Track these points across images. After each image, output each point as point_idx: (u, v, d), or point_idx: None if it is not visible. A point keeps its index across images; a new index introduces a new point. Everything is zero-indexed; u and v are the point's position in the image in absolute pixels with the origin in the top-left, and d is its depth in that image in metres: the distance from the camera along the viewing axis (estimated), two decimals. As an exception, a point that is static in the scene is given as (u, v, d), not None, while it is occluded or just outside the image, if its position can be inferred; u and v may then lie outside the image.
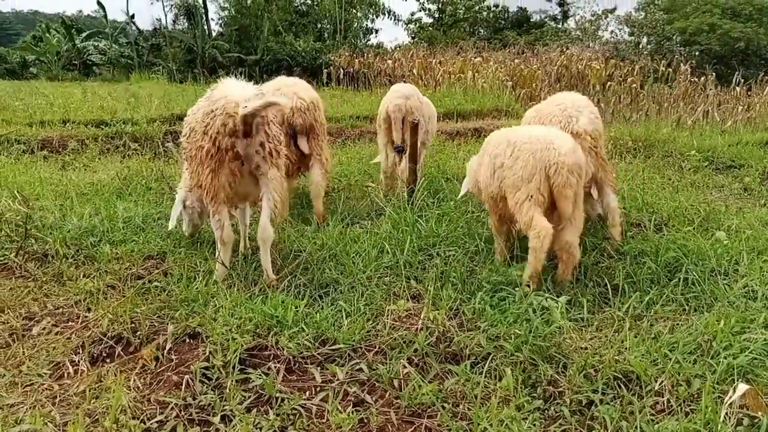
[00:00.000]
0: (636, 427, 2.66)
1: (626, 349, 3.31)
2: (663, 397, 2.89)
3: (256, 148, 3.94)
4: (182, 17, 29.72)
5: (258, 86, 4.15)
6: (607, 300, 4.03)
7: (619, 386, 2.98)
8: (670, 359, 3.13)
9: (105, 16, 29.93)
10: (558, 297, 3.65)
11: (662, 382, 2.96)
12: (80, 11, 54.95)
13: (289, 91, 5.53)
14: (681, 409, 2.80)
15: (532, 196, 4.03)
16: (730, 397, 2.63)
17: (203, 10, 28.51)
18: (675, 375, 3.02)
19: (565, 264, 4.18)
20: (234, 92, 3.88)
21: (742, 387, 2.65)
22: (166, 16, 30.65)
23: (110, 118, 10.34)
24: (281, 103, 3.90)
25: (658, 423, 2.71)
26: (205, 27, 28.14)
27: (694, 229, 5.03)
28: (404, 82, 18.22)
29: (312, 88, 5.91)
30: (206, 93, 4.14)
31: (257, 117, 3.85)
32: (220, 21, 31.60)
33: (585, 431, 2.72)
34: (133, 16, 28.77)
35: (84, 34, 30.00)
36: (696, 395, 2.87)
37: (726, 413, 2.61)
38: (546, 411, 2.85)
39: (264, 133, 3.95)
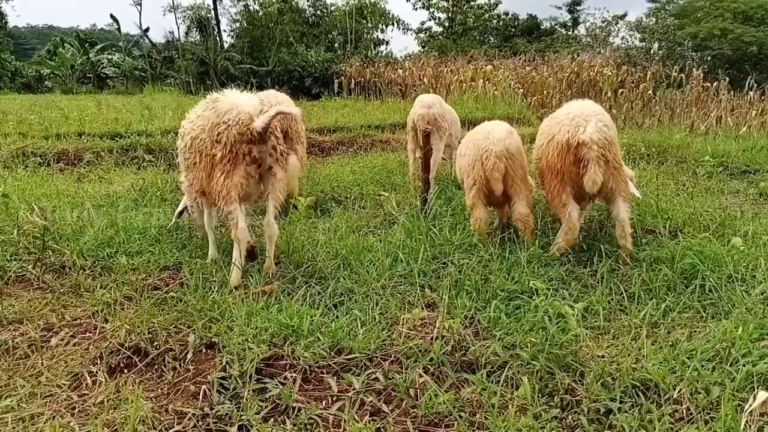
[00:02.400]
0: (655, 436, 2.63)
1: (644, 356, 3.29)
2: (682, 405, 2.86)
3: (269, 151, 4.38)
4: (194, 29, 30.07)
5: (257, 95, 4.68)
6: (624, 307, 4.01)
7: (637, 394, 2.95)
8: (689, 367, 3.10)
9: (118, 29, 30.33)
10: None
11: (681, 390, 2.94)
12: (94, 25, 55.62)
13: (273, 100, 6.23)
14: (701, 417, 2.77)
15: (476, 182, 4.91)
16: (751, 405, 2.60)
17: (215, 23, 28.82)
18: (694, 383, 2.99)
19: (523, 230, 5.01)
20: (242, 102, 4.29)
21: (763, 394, 2.61)
22: (178, 28, 31.01)
23: (125, 131, 10.46)
24: (292, 111, 4.47)
25: (677, 431, 2.68)
26: (217, 39, 28.41)
27: (709, 235, 4.99)
28: (415, 90, 18.38)
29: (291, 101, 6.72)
30: (201, 104, 4.56)
31: (270, 125, 4.29)
32: (232, 33, 31.93)
33: (603, 440, 2.70)
34: (147, 30, 29.12)
35: (98, 47, 30.40)
36: (715, 403, 2.85)
37: (746, 421, 2.59)
38: (564, 420, 2.83)
39: (274, 137, 4.40)
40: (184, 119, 4.81)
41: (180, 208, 5.47)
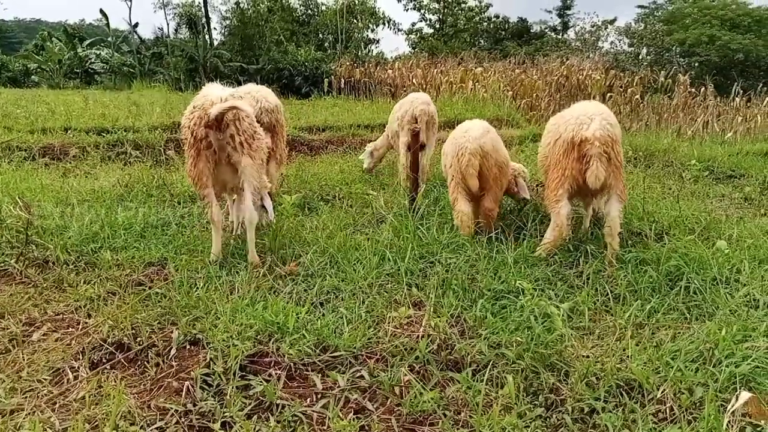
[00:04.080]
0: (638, 435, 2.64)
1: (628, 357, 3.30)
2: (665, 405, 2.88)
3: (227, 139, 4.56)
4: (184, 26, 29.87)
5: (235, 89, 4.99)
6: (609, 308, 4.02)
7: (621, 394, 2.96)
8: (672, 367, 3.12)
9: (107, 25, 30.06)
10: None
11: (664, 390, 2.95)
12: (82, 20, 55.09)
13: (258, 95, 6.51)
14: (683, 417, 2.78)
15: (453, 177, 5.13)
16: (733, 405, 2.62)
17: (205, 20, 28.64)
18: (677, 383, 3.00)
19: (485, 223, 5.27)
20: (213, 93, 4.57)
21: (745, 395, 2.64)
22: (168, 25, 30.75)
23: (111, 126, 10.37)
24: (242, 108, 4.50)
25: (660, 431, 2.69)
26: (207, 36, 28.26)
27: (695, 238, 5.03)
28: (404, 91, 18.39)
29: (275, 95, 6.86)
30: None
31: (226, 114, 4.46)
32: (223, 30, 31.77)
33: (587, 439, 2.71)
34: (136, 25, 28.89)
35: (87, 42, 30.12)
36: (698, 403, 2.86)
37: (729, 421, 2.60)
38: (548, 419, 2.84)
39: (234, 127, 4.55)
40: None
41: None
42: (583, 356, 3.37)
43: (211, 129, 4.48)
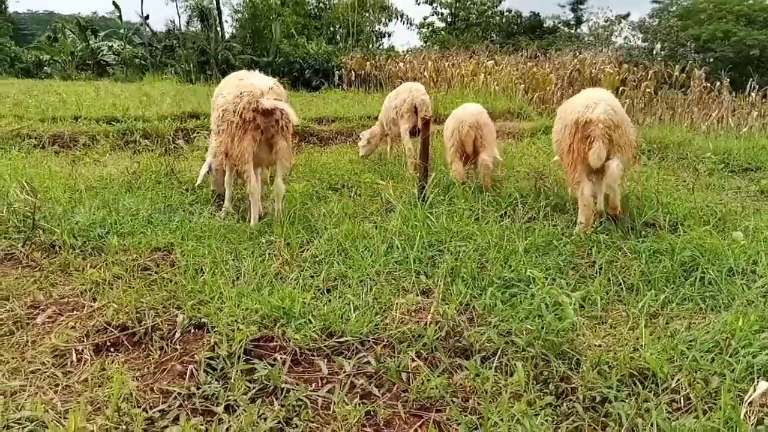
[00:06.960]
0: (652, 424, 2.56)
1: (641, 346, 3.22)
2: (680, 394, 2.80)
3: (272, 123, 5.22)
4: (196, 19, 29.87)
5: (273, 79, 5.58)
6: (621, 298, 3.94)
7: (634, 383, 2.89)
8: (687, 357, 3.04)
9: (120, 17, 30.10)
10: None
11: (679, 379, 2.87)
12: (95, 12, 55.25)
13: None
14: (699, 406, 2.70)
15: (453, 145, 6.51)
16: (751, 395, 2.54)
17: (217, 13, 28.63)
18: (692, 373, 2.92)
19: (482, 174, 6.52)
20: (258, 82, 5.29)
21: (763, 385, 2.55)
22: (179, 17, 30.80)
23: (122, 115, 10.35)
24: (290, 115, 5.18)
25: (675, 420, 2.61)
26: (218, 29, 28.25)
27: (710, 228, 4.92)
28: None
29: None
30: (222, 82, 5.58)
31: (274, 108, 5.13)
32: (234, 23, 31.76)
33: (599, 428, 2.63)
34: (147, 17, 28.90)
35: (102, 34, 30.20)
36: (714, 393, 2.78)
37: (746, 411, 2.52)
38: (558, 407, 2.76)
39: (279, 112, 5.20)
40: (215, 96, 5.71)
41: (205, 168, 6.09)
42: (595, 345, 3.30)
43: (259, 113, 5.11)
